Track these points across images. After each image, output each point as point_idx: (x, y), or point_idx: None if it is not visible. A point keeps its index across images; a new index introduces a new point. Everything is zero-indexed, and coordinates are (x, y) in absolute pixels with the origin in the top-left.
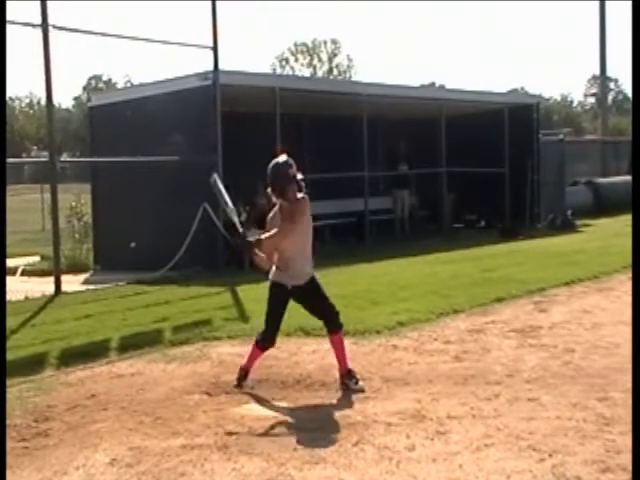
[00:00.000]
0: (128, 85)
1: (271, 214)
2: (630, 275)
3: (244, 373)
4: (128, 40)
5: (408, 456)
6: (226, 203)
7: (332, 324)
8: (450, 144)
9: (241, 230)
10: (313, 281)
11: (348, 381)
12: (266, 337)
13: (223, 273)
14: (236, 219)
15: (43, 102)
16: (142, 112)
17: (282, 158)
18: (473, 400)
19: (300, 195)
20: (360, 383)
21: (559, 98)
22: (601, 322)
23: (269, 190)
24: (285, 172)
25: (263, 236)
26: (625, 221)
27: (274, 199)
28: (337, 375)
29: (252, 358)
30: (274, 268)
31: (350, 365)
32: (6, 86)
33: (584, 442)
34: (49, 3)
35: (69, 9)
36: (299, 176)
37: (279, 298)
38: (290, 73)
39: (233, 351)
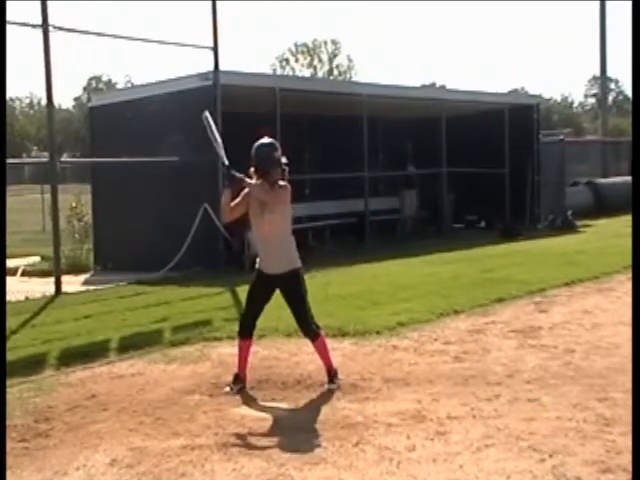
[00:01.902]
0: (128, 85)
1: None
2: (630, 275)
3: (236, 379)
4: (128, 40)
5: (408, 456)
6: (215, 138)
7: (303, 332)
8: (450, 144)
9: (227, 163)
10: (294, 276)
11: (327, 378)
12: (240, 323)
13: (223, 273)
14: (222, 153)
15: (43, 102)
16: (142, 112)
17: (267, 139)
18: (473, 400)
19: (282, 183)
20: (333, 384)
21: (559, 99)
22: (601, 323)
23: (251, 170)
24: (270, 154)
25: (248, 180)
26: (625, 221)
27: (255, 179)
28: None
29: (239, 355)
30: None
31: (335, 365)
32: (6, 86)
33: (584, 442)
34: (49, 3)
35: (69, 9)
36: (284, 160)
37: (256, 283)
38: (290, 73)
39: (233, 351)
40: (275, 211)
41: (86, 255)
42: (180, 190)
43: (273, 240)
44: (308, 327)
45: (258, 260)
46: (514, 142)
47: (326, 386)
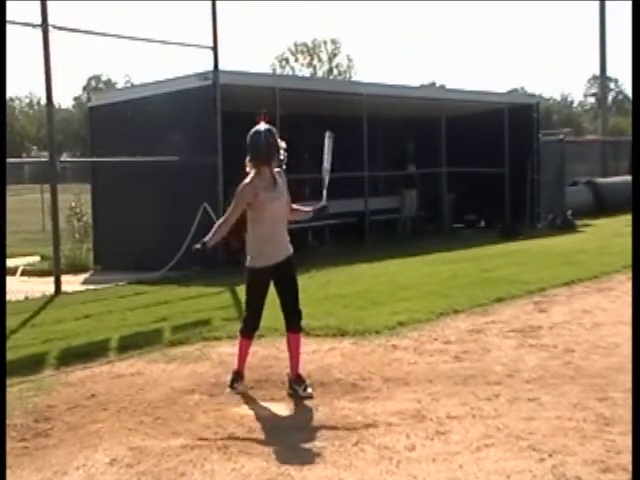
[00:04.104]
0: (128, 85)
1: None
2: (630, 275)
3: (238, 376)
4: (128, 40)
5: (408, 456)
6: (324, 161)
7: (291, 323)
8: (450, 144)
9: (324, 198)
10: (292, 259)
11: (297, 387)
12: (251, 324)
13: (222, 273)
14: (325, 182)
15: (43, 102)
16: (142, 112)
17: (263, 126)
18: (473, 400)
19: (278, 170)
20: (309, 390)
21: (559, 98)
22: (601, 322)
23: (248, 160)
24: (268, 141)
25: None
26: (625, 221)
27: (250, 169)
28: (337, 375)
29: (242, 353)
30: (249, 256)
31: (301, 370)
32: (6, 86)
33: (584, 442)
34: (49, 3)
35: (69, 9)
36: (282, 145)
37: (258, 281)
38: (290, 73)
39: (233, 351)
40: (283, 195)
41: (86, 255)
42: (180, 190)
43: (281, 226)
44: (299, 315)
45: (254, 257)
46: (514, 142)
47: (302, 392)
